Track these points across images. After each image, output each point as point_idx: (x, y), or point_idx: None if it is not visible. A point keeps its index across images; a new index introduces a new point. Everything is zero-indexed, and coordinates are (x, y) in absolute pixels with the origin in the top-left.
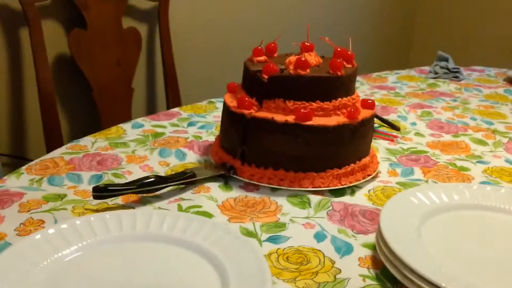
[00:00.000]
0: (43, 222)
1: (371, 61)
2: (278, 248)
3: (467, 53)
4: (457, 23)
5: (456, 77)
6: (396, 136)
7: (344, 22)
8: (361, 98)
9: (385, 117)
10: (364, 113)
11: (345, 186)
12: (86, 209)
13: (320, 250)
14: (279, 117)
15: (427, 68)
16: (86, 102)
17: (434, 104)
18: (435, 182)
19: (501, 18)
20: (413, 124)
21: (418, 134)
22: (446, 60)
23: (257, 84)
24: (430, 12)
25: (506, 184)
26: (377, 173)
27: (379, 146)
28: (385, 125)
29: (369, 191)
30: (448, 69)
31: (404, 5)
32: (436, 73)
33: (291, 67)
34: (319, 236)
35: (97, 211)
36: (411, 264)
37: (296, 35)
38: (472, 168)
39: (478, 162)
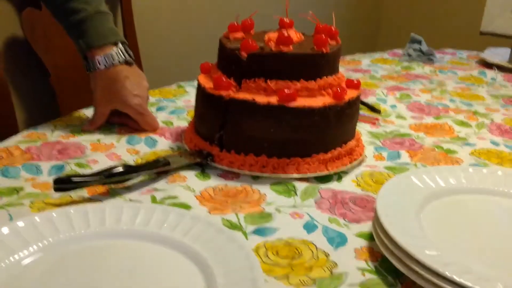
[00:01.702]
0: None
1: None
2: (266, 241)
3: (436, 35)
4: (425, 5)
5: (430, 59)
6: (377, 119)
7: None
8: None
9: (364, 100)
10: (350, 94)
11: (332, 172)
12: (47, 204)
13: (311, 242)
14: (261, 99)
15: (399, 51)
16: (43, 88)
17: (411, 86)
18: (424, 166)
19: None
20: (393, 106)
21: (399, 116)
22: (419, 42)
23: (235, 63)
24: None
25: (496, 166)
26: (363, 158)
27: (361, 129)
28: (366, 108)
29: (356, 176)
30: (421, 51)
31: None
32: (409, 55)
33: (272, 43)
34: (309, 227)
35: (59, 205)
36: (417, 255)
37: (265, 13)
38: (459, 150)
39: (464, 144)
